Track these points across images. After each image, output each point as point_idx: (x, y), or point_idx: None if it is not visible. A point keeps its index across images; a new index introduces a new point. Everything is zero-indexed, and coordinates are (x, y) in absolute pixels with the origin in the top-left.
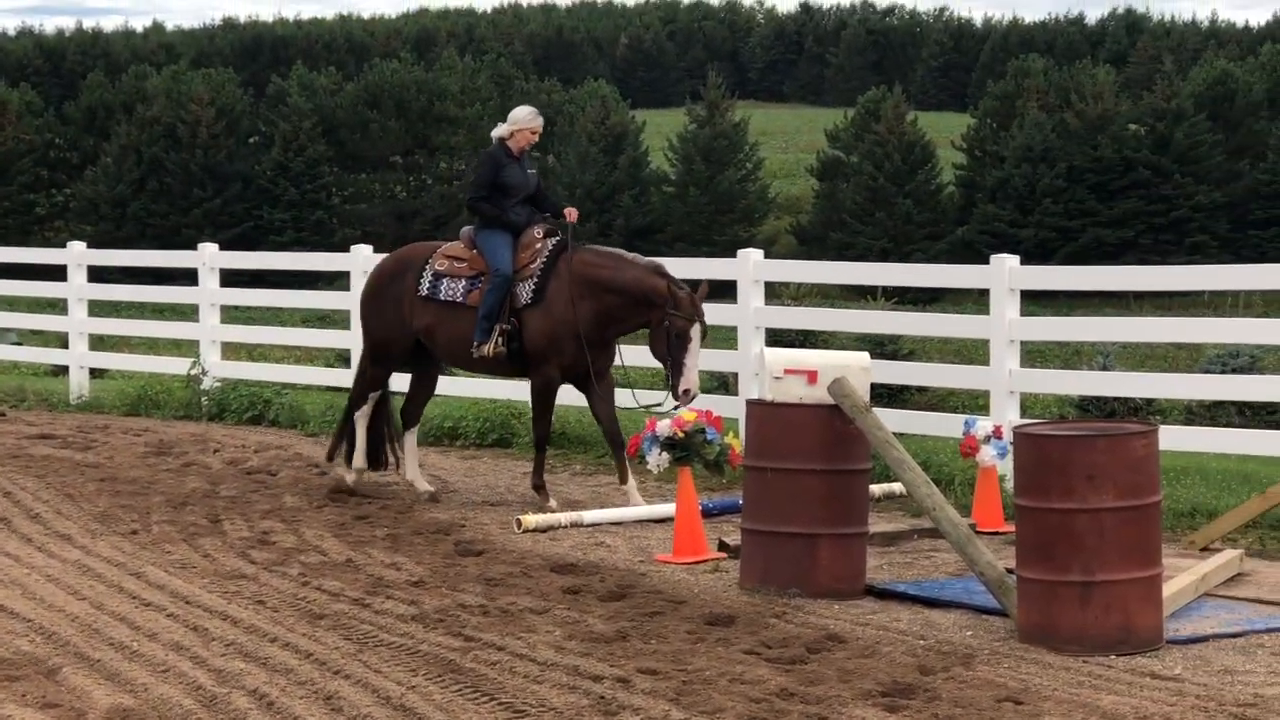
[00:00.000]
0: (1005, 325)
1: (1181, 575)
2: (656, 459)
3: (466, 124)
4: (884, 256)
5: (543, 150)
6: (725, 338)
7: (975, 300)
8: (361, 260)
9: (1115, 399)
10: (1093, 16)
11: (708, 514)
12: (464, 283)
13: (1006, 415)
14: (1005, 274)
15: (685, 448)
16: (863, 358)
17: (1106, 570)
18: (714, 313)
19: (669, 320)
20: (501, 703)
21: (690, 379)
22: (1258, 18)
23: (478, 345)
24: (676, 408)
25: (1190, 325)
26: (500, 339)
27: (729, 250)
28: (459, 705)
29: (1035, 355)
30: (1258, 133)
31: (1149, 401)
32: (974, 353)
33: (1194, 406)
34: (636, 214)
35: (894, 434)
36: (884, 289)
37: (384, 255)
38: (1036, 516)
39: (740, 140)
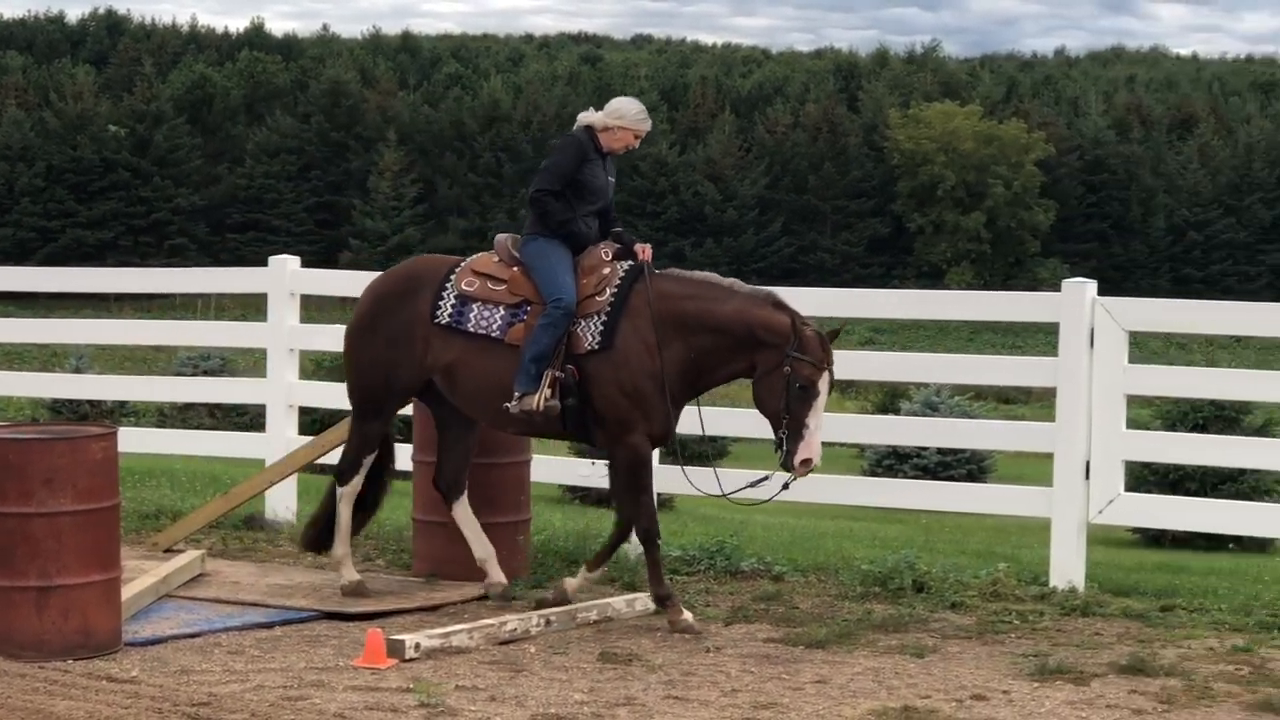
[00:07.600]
0: None
1: (143, 577)
2: None
3: None
4: None
5: None
6: None
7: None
8: None
9: (88, 401)
10: (73, 15)
11: None
12: (502, 312)
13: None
14: None
15: None
16: None
17: (65, 574)
18: None
19: (790, 366)
20: None
21: (813, 445)
22: (236, 25)
23: (520, 396)
24: (785, 486)
25: (166, 328)
26: (551, 390)
27: None
28: None
29: (13, 357)
30: (235, 137)
31: (123, 404)
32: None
33: (166, 408)
34: None
35: None
36: None
37: (383, 271)
38: None
39: None
